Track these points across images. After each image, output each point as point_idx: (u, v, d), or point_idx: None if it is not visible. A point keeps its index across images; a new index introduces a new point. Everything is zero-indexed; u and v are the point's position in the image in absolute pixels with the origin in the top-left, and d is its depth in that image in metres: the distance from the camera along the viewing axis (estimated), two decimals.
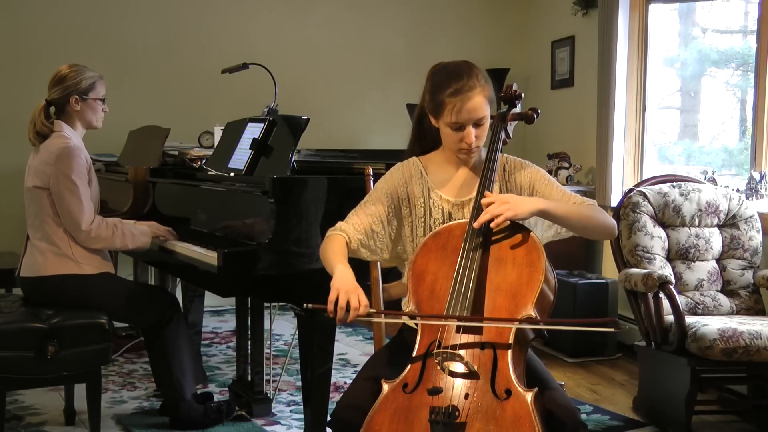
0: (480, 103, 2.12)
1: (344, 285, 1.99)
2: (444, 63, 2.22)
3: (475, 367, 1.90)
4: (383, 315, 2.16)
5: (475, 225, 2.05)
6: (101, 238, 3.07)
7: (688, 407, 3.16)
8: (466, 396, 1.87)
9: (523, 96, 2.37)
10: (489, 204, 2.04)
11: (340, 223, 2.22)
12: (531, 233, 2.09)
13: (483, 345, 1.93)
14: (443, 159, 2.27)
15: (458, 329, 1.96)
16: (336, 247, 2.15)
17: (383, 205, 2.22)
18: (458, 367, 1.91)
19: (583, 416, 3.53)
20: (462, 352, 1.92)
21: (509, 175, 2.24)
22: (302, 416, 3.15)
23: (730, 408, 3.62)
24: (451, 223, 2.17)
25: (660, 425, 3.41)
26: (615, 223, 2.22)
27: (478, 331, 1.96)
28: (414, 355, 2.00)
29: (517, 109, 2.36)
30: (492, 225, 2.04)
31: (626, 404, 3.72)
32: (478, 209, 2.08)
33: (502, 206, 2.02)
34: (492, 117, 2.26)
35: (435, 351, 1.93)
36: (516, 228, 2.09)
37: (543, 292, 2.04)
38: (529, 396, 1.84)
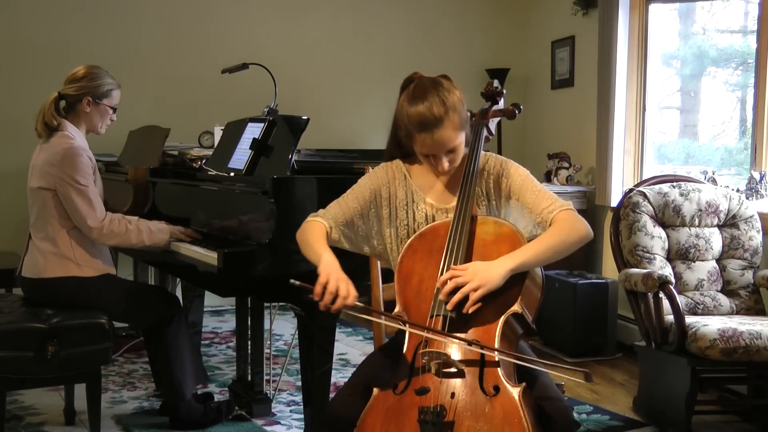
0: (448, 136, 2.09)
1: (335, 272, 1.99)
2: (417, 78, 2.17)
3: (462, 366, 1.91)
4: (368, 312, 2.09)
5: (441, 296, 1.98)
6: (115, 234, 3.06)
7: (688, 407, 3.16)
8: (453, 395, 1.87)
9: (504, 92, 2.37)
10: (458, 276, 1.98)
11: (321, 211, 2.22)
12: (515, 230, 2.09)
13: (470, 343, 1.94)
14: (426, 165, 2.27)
15: (444, 328, 1.96)
16: (318, 234, 2.15)
17: (365, 200, 2.23)
18: (445, 366, 1.91)
19: (583, 416, 3.53)
20: (449, 351, 1.93)
21: (488, 175, 2.22)
22: (302, 416, 3.15)
23: (730, 408, 3.61)
24: (435, 222, 2.18)
25: (660, 425, 3.41)
26: (589, 228, 2.12)
27: (464, 329, 1.97)
28: (403, 356, 2.01)
29: (499, 106, 2.36)
30: (468, 308, 1.96)
31: (626, 404, 3.72)
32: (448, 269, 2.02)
33: (471, 282, 1.96)
34: (473, 116, 2.26)
35: (421, 351, 1.93)
36: (500, 225, 2.10)
37: (529, 289, 2.04)
38: (516, 392, 1.85)
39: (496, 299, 1.98)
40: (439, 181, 2.25)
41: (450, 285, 1.98)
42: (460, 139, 2.13)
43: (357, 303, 1.98)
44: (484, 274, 1.97)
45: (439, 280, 2.00)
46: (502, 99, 2.37)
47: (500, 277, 1.98)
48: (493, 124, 2.34)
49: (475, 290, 1.96)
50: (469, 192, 2.12)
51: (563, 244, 2.06)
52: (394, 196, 2.24)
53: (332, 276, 1.98)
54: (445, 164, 2.14)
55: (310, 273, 2.71)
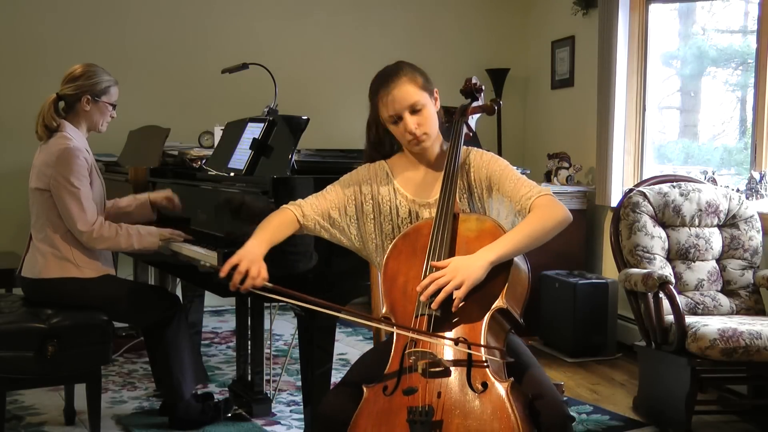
0: (408, 90, 2.17)
1: (248, 255, 2.06)
2: (380, 70, 2.29)
3: (449, 364, 1.91)
4: (283, 294, 2.05)
5: (423, 298, 1.98)
6: (104, 238, 3.04)
7: (688, 407, 3.16)
8: (440, 394, 1.88)
9: (483, 88, 2.38)
10: (439, 277, 1.97)
11: (299, 200, 2.26)
12: (497, 224, 2.09)
13: (456, 341, 1.94)
14: (407, 160, 2.31)
15: (430, 327, 1.96)
16: (274, 223, 2.20)
17: (344, 195, 2.27)
18: (432, 366, 1.91)
19: (583, 416, 3.53)
20: (435, 350, 1.93)
21: (469, 167, 2.24)
22: (302, 416, 3.15)
23: (730, 408, 3.62)
24: (418, 222, 2.19)
25: (660, 425, 3.41)
26: (567, 212, 2.10)
27: (449, 328, 1.97)
28: (391, 357, 2.01)
29: (479, 102, 2.37)
30: (455, 307, 1.96)
31: (626, 404, 3.72)
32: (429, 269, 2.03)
33: (453, 281, 1.96)
34: (453, 112, 2.27)
35: (408, 351, 1.94)
36: (482, 221, 2.11)
37: (513, 284, 2.04)
38: (504, 387, 1.85)
39: (480, 295, 1.98)
40: (419, 176, 2.27)
41: (431, 288, 1.97)
42: (424, 100, 2.18)
43: (267, 284, 2.03)
44: (464, 270, 1.97)
45: (419, 284, 1.99)
46: (482, 95, 2.38)
47: (481, 270, 1.97)
48: (473, 120, 2.35)
49: (458, 288, 1.95)
50: (451, 190, 2.12)
51: (542, 230, 2.06)
52: (376, 192, 2.27)
53: (244, 258, 2.04)
54: (412, 125, 2.17)
55: (307, 272, 2.73)
